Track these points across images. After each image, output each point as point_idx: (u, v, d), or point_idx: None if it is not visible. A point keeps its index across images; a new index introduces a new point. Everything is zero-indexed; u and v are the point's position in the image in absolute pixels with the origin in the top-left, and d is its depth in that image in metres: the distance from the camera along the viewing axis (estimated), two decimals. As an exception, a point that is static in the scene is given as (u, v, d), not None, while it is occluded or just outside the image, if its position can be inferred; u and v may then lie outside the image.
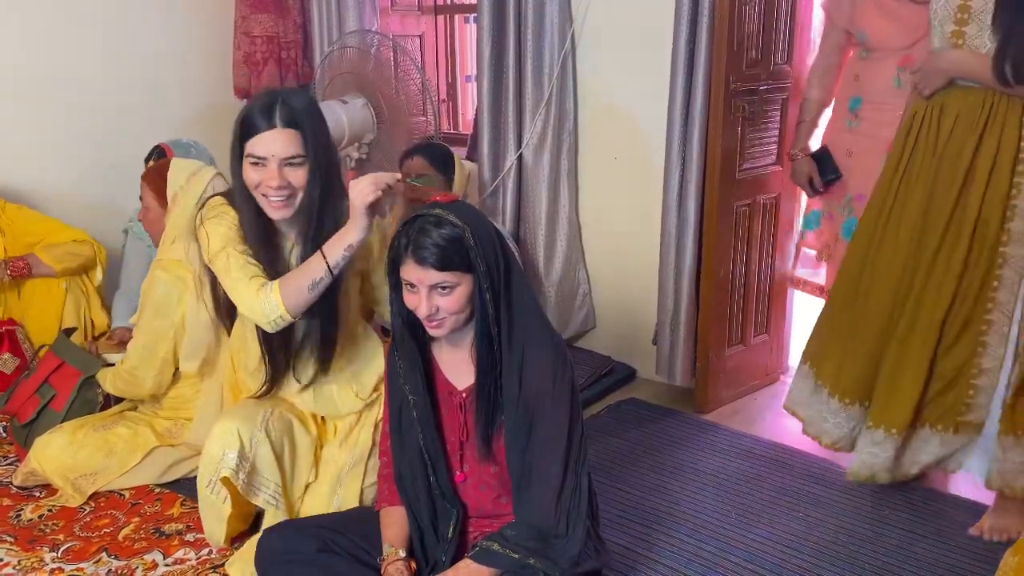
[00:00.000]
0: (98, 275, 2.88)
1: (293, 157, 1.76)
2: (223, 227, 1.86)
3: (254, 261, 1.83)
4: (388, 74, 3.15)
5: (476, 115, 3.20)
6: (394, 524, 1.74)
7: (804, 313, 3.76)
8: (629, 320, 3.16)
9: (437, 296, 1.57)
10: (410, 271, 1.57)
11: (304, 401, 2.04)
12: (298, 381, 1.98)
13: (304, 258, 1.82)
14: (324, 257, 1.74)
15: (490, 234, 1.61)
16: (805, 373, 2.49)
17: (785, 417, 2.86)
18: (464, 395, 1.71)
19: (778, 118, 2.86)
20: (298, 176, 1.78)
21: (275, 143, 1.75)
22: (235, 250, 1.83)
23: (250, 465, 1.88)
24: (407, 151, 2.83)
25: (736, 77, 2.61)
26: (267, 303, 1.76)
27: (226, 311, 2.06)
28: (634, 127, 2.96)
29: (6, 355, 2.69)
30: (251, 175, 1.78)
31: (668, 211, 2.79)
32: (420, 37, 3.77)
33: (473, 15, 3.77)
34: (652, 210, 2.92)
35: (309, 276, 1.75)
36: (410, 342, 1.70)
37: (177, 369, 2.33)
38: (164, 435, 2.33)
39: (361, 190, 1.69)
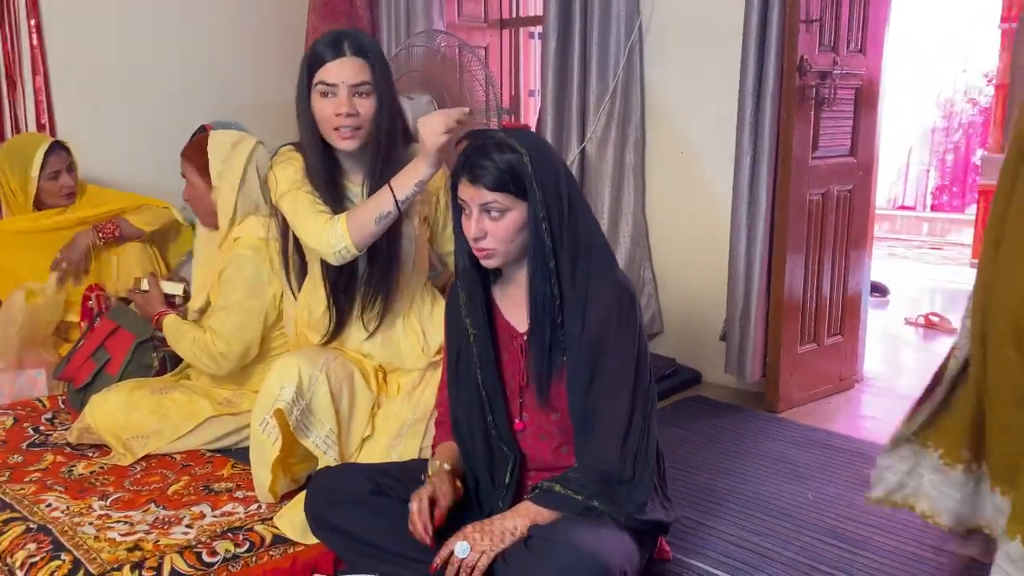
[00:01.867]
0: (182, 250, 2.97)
1: (361, 84, 1.79)
2: (290, 170, 1.89)
3: (320, 201, 1.84)
4: (454, 73, 3.17)
5: (540, 110, 3.18)
6: (446, 450, 1.67)
7: (875, 318, 3.62)
8: (696, 321, 3.05)
9: (487, 219, 1.52)
10: (464, 189, 1.53)
11: (372, 347, 1.99)
12: (365, 328, 1.95)
13: (364, 181, 1.83)
14: (392, 191, 1.73)
15: (553, 164, 1.55)
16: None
17: (864, 419, 2.72)
18: (525, 338, 1.64)
19: (852, 107, 2.78)
20: (366, 106, 1.80)
21: (344, 69, 1.77)
22: (302, 190, 1.85)
23: (305, 404, 1.83)
24: (463, 136, 2.81)
25: (809, 56, 2.55)
26: (334, 234, 1.76)
27: (295, 267, 2.05)
28: (703, 118, 2.90)
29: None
30: (321, 106, 1.80)
31: (739, 199, 2.70)
32: (485, 49, 3.81)
33: (538, 30, 3.82)
34: (721, 205, 2.84)
35: (376, 209, 1.75)
36: (472, 274, 1.64)
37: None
38: (223, 404, 2.29)
39: (433, 129, 1.68)
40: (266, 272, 2.19)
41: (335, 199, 1.86)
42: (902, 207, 9.52)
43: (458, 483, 1.60)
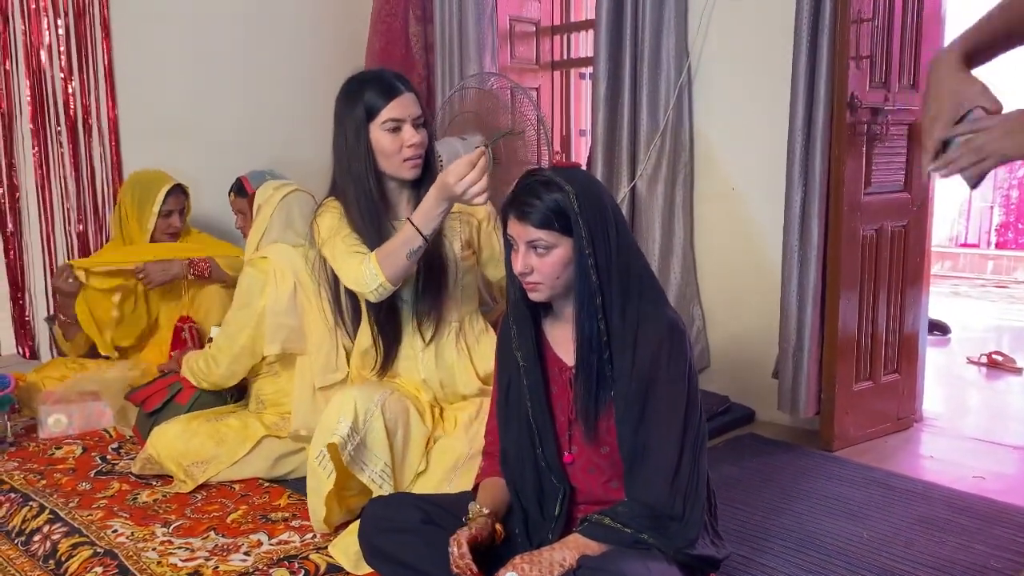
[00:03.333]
0: None
1: (419, 117, 1.93)
2: (328, 217, 2.00)
3: (358, 243, 1.93)
4: (506, 114, 3.25)
5: (591, 148, 3.23)
6: (488, 490, 1.68)
7: (936, 358, 3.54)
8: (747, 358, 3.04)
9: (533, 255, 1.55)
10: (512, 226, 1.57)
11: (426, 367, 2.05)
12: (422, 337, 2.02)
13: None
14: (416, 227, 1.82)
15: (600, 202, 1.57)
16: None
17: (923, 459, 2.66)
18: (573, 372, 1.66)
19: (905, 143, 2.76)
20: (424, 135, 1.95)
21: (407, 105, 1.93)
22: (339, 236, 1.96)
23: (360, 438, 1.88)
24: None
25: (859, 93, 2.55)
26: (368, 273, 1.86)
27: (348, 311, 2.13)
28: (753, 155, 2.92)
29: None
30: (389, 140, 1.92)
31: (790, 234, 2.69)
32: (537, 90, 3.89)
33: (588, 71, 3.88)
34: (772, 241, 2.84)
35: (406, 245, 1.83)
36: (523, 307, 1.67)
37: (261, 367, 2.44)
38: (272, 428, 2.38)
39: (469, 183, 1.73)
40: (258, 286, 2.34)
41: (381, 234, 1.93)
42: (965, 244, 9.31)
43: (498, 526, 1.61)
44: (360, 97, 1.93)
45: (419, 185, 1.99)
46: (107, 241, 3.32)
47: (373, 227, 1.93)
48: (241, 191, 3.01)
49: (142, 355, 3.05)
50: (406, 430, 1.97)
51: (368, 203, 1.95)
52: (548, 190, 1.54)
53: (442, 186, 1.76)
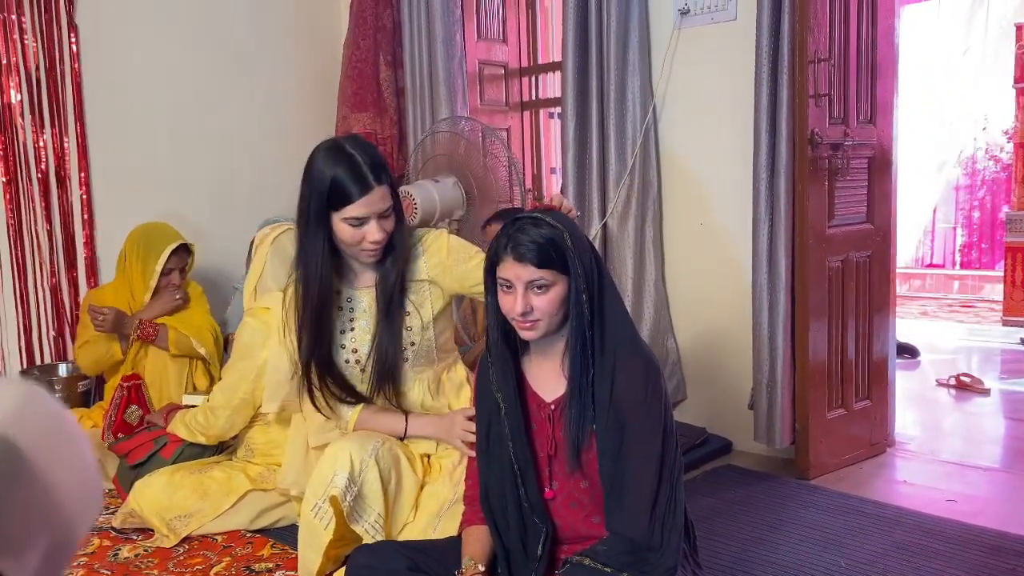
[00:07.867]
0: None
1: (386, 210, 1.87)
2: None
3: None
4: (478, 156, 3.30)
5: (561, 187, 3.29)
6: (476, 541, 1.69)
7: (906, 381, 3.61)
8: (724, 390, 3.08)
9: (532, 295, 1.58)
10: (508, 268, 1.59)
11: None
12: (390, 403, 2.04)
13: (377, 284, 1.96)
14: (406, 426, 2.01)
15: (585, 241, 1.63)
16: None
17: (897, 484, 2.71)
18: (552, 407, 1.69)
19: (866, 176, 2.85)
20: (390, 224, 1.89)
21: (375, 202, 1.84)
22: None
23: (357, 489, 1.88)
24: (489, 218, 2.93)
25: (819, 130, 2.64)
26: (343, 418, 2.02)
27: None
28: (719, 191, 2.99)
29: (132, 407, 2.82)
30: (349, 235, 1.87)
31: (758, 268, 2.76)
32: (507, 130, 3.96)
33: (557, 110, 3.96)
34: (742, 275, 2.90)
35: (387, 428, 2.01)
36: (503, 349, 1.70)
37: (254, 417, 2.44)
38: (257, 480, 2.38)
39: (461, 445, 1.99)
40: (260, 339, 2.31)
41: (322, 327, 1.96)
42: (931, 265, 9.49)
43: None
44: (329, 182, 1.83)
45: (394, 264, 1.95)
46: (90, 288, 3.34)
47: (319, 317, 1.95)
48: None
49: (90, 412, 3.02)
50: (399, 479, 1.98)
51: (321, 277, 1.92)
52: (539, 228, 1.58)
53: (447, 431, 1.98)
